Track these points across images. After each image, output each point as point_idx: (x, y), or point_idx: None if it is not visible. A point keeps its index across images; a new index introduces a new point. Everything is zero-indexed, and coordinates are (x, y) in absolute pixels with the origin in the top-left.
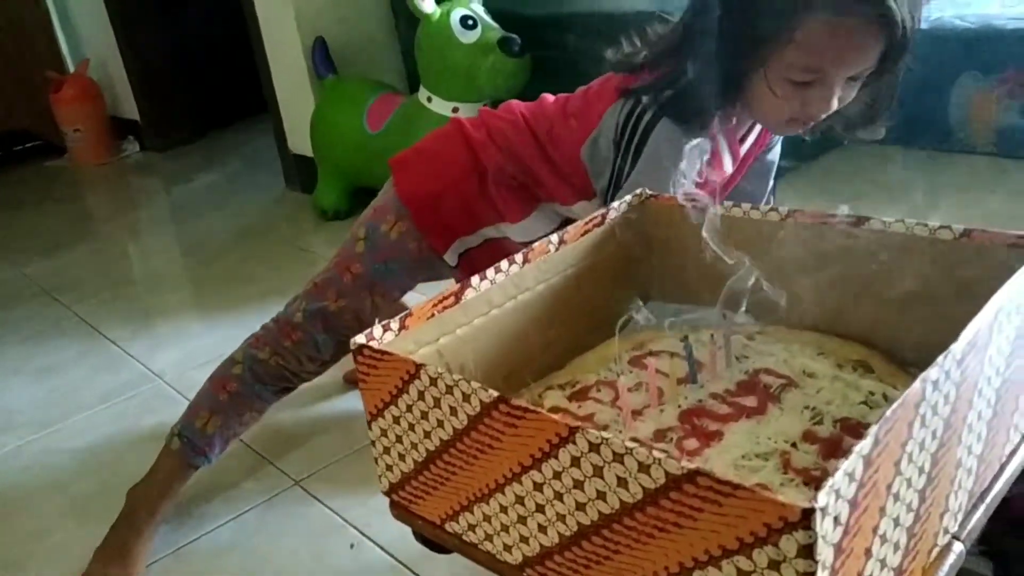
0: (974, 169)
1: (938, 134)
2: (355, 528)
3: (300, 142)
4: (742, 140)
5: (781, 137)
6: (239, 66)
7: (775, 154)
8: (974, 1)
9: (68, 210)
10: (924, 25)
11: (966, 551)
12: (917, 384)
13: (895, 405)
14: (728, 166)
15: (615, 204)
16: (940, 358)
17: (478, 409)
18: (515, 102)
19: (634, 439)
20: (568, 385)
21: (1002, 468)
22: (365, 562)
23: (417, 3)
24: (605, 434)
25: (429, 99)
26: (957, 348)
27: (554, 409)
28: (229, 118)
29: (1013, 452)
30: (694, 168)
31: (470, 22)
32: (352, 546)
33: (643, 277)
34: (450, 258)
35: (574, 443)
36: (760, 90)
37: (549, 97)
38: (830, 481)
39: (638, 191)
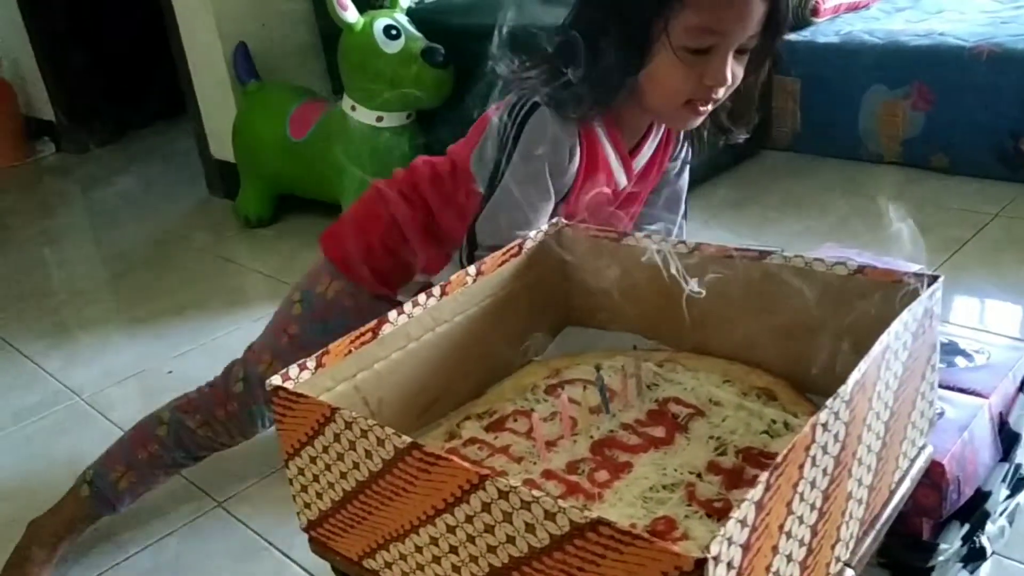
0: (882, 178)
1: (849, 143)
2: (279, 550)
3: (222, 147)
4: (633, 153)
5: (686, 157)
6: (159, 65)
7: (684, 181)
8: (882, 16)
9: None
10: (835, 39)
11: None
12: (807, 428)
13: (785, 451)
14: (620, 178)
15: (531, 234)
16: (829, 400)
17: (392, 454)
18: (424, 157)
19: (548, 471)
20: (486, 415)
21: (892, 494)
22: None
23: (340, 13)
24: (514, 482)
25: (353, 108)
26: (845, 390)
27: (472, 440)
28: (149, 118)
29: (903, 478)
30: (567, 164)
31: (393, 32)
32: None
33: (560, 304)
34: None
35: (484, 490)
36: (659, 68)
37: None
38: (722, 530)
39: (554, 220)
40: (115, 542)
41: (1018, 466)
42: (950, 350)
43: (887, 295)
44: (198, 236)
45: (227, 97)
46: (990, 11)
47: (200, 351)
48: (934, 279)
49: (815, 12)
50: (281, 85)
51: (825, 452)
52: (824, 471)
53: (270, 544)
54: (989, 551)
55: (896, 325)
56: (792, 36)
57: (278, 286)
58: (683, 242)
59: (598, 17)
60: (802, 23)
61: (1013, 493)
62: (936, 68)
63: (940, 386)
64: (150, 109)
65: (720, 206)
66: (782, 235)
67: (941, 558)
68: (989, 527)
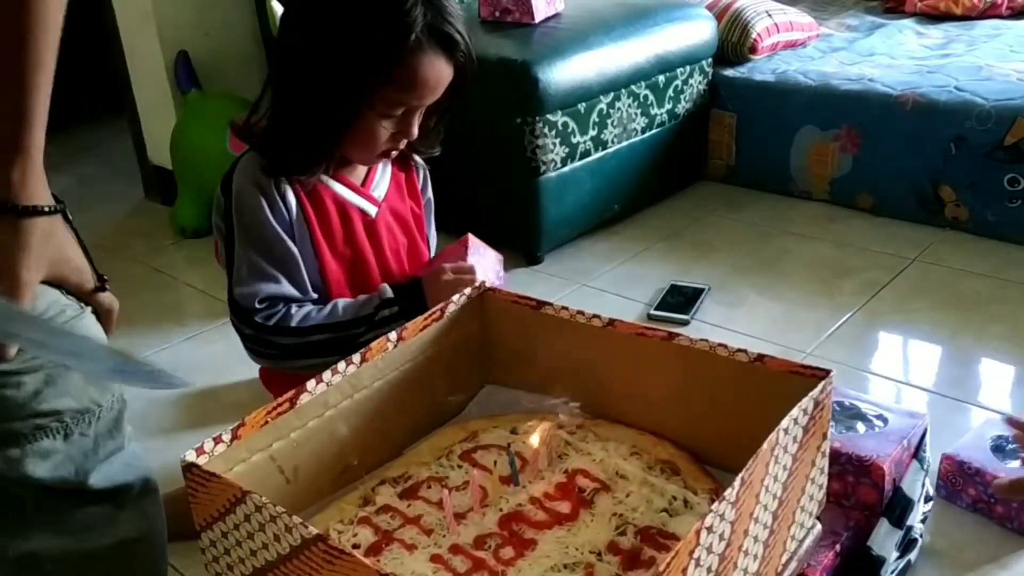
0: (809, 215)
1: (780, 179)
2: None
3: (161, 154)
4: (366, 183)
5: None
6: (99, 59)
7: (432, 229)
8: (817, 56)
9: None
10: (771, 77)
11: None
12: (691, 533)
13: (668, 558)
14: (365, 207)
15: (455, 298)
16: (715, 504)
17: (299, 542)
18: None
19: (455, 546)
20: (401, 479)
21: (779, 575)
22: None
23: None
24: None
25: None
26: (731, 492)
27: (385, 508)
28: (88, 112)
29: (790, 559)
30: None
31: None
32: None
33: (481, 364)
34: None
35: None
36: (360, 132)
37: None
38: None
39: (477, 284)
40: None
41: (909, 528)
42: (852, 415)
43: (784, 383)
44: (132, 244)
45: (167, 104)
46: (919, 57)
47: None
48: (827, 372)
49: (753, 49)
50: (223, 96)
51: (710, 552)
52: (708, 568)
53: None
54: None
55: (785, 421)
56: (730, 71)
57: (213, 303)
58: (597, 316)
59: (298, 100)
60: (740, 59)
61: (903, 554)
62: (864, 113)
63: (839, 452)
64: (89, 103)
65: (653, 236)
66: (713, 270)
67: None
68: None
